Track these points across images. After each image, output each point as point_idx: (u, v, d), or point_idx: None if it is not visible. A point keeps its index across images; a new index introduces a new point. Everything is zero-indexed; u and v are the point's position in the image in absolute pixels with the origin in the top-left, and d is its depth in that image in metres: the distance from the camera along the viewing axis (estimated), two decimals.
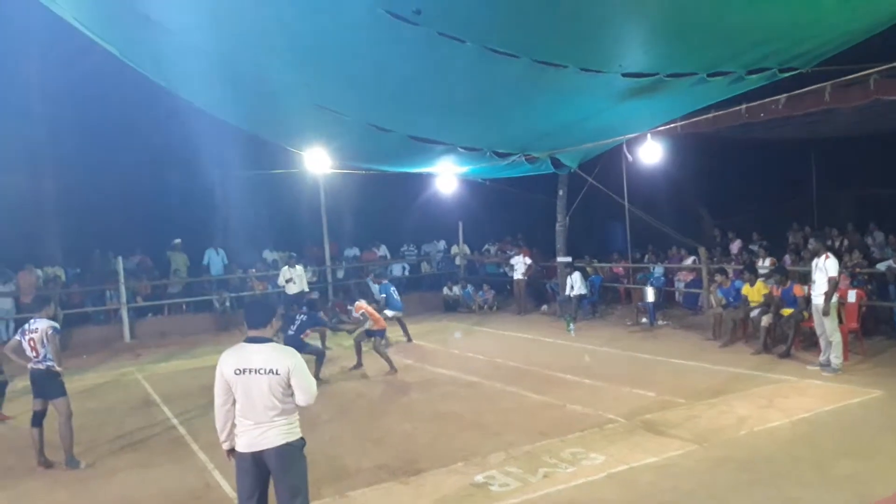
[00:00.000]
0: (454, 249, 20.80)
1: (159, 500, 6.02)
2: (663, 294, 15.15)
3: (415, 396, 9.00)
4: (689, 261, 15.54)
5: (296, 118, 12.10)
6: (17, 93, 13.99)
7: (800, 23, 8.30)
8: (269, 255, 19.07)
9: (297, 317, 10.61)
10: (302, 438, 4.35)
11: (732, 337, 11.50)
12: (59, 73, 13.82)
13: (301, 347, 10.20)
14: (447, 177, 16.26)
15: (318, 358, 10.34)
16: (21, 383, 9.35)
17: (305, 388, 4.26)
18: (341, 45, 8.44)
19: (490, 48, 8.37)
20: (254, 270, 17.92)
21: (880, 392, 8.01)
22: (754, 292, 11.24)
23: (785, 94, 10.01)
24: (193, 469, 6.79)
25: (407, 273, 20.45)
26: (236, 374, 4.20)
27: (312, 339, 11.32)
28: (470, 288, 18.70)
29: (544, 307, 17.29)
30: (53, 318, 7.16)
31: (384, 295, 13.30)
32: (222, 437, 4.37)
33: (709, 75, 9.65)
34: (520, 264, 17.33)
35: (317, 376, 9.90)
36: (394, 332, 13.04)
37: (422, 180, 17.56)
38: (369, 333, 11.02)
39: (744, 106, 10.81)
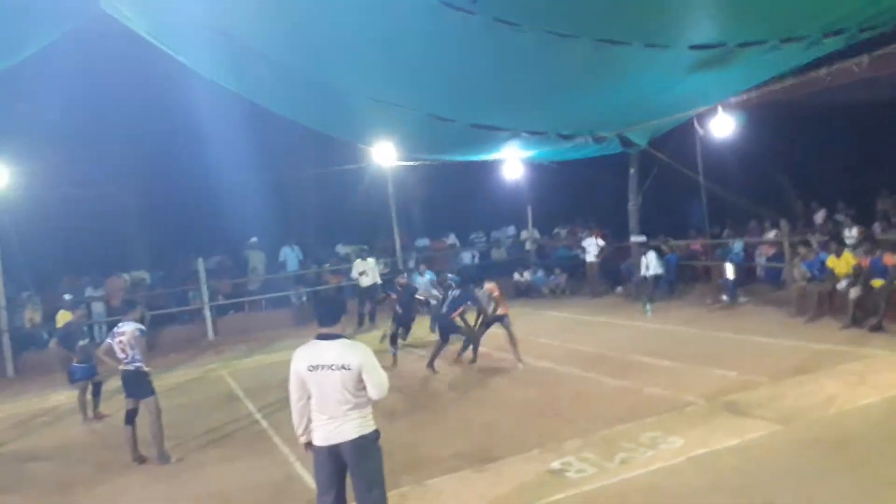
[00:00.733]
0: (524, 234, 20.65)
1: (246, 492, 6.25)
2: (744, 270, 14.62)
3: (489, 384, 9.02)
4: (770, 234, 14.95)
5: (360, 114, 12.22)
6: (102, 104, 14.67)
7: None
8: (341, 249, 19.42)
9: (449, 293, 10.53)
10: (376, 431, 4.42)
11: (818, 311, 11.01)
12: (138, 83, 14.43)
13: (452, 329, 10.20)
14: (513, 162, 16.14)
15: (465, 340, 10.39)
16: (114, 383, 9.82)
17: (377, 383, 4.32)
18: (398, 38, 8.47)
19: (549, 31, 8.23)
20: (328, 265, 18.29)
21: None
22: (841, 263, 10.72)
23: (867, 55, 9.47)
24: (276, 462, 7.01)
25: (477, 260, 20.46)
26: (310, 370, 4.29)
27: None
28: (541, 272, 18.56)
29: (619, 289, 16.99)
30: (140, 321, 7.52)
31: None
32: (299, 431, 4.50)
33: (781, 41, 9.18)
34: (592, 246, 17.07)
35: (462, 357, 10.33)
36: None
37: (488, 167, 17.47)
38: (491, 320, 10.30)
39: (825, 69, 10.28)
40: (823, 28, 9.06)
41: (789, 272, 12.76)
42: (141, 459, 7.34)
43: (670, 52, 9.18)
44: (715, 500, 5.02)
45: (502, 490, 5.59)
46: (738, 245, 15.16)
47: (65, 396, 10.80)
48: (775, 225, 14.57)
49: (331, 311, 4.47)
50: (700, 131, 12.45)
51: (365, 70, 9.87)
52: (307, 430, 4.45)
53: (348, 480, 4.41)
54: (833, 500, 4.82)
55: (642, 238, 15.87)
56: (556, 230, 20.92)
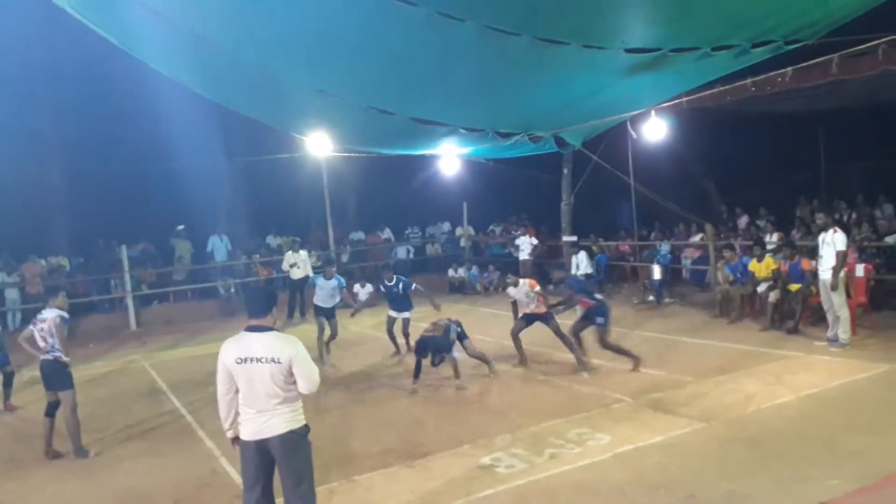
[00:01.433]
0: (459, 231, 20.72)
1: (167, 488, 6.03)
2: (670, 271, 15.06)
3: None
4: (696, 237, 15.44)
5: (296, 103, 12.00)
6: (20, 81, 13.94)
7: None
8: (272, 240, 19.05)
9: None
10: (306, 425, 4.33)
11: (740, 313, 11.43)
12: (60, 62, 13.79)
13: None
14: (450, 158, 16.13)
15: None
16: (28, 374, 9.39)
17: (307, 376, 4.22)
18: (340, 27, 8.35)
19: (490, 27, 8.25)
20: (258, 256, 17.90)
21: (889, 366, 7.92)
22: (762, 268, 11.14)
23: (791, 67, 9.86)
24: (200, 456, 6.79)
25: (412, 256, 20.41)
26: (238, 362, 4.17)
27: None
28: (475, 269, 18.65)
29: (550, 287, 17.21)
30: (62, 308, 7.15)
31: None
32: (226, 425, 4.38)
33: (713, 49, 9.49)
34: (525, 244, 17.24)
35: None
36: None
37: (425, 162, 17.45)
38: (533, 318, 9.42)
39: (750, 80, 10.67)
40: (752, 38, 9.40)
41: (713, 274, 13.19)
42: (55, 454, 7.01)
43: (607, 54, 9.35)
44: (640, 495, 5.13)
45: (432, 485, 5.57)
46: (665, 247, 15.60)
47: None
48: (701, 229, 15.05)
49: (261, 303, 4.36)
50: (633, 134, 12.72)
51: (305, 59, 9.70)
52: (234, 424, 4.32)
53: (276, 475, 4.31)
54: (751, 493, 4.99)
55: (573, 238, 16.14)
56: (490, 227, 21.06)
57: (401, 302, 10.78)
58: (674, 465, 5.62)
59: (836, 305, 9.01)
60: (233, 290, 17.10)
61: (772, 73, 10.15)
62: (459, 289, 18.35)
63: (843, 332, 9.00)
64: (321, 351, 10.72)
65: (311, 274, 15.08)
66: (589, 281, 15.06)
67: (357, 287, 16.84)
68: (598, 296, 9.31)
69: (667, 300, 13.87)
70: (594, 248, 16.56)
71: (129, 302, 15.73)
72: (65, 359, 6.98)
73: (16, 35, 12.08)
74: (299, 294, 15.14)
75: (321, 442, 5.15)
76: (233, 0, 8.19)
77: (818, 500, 4.78)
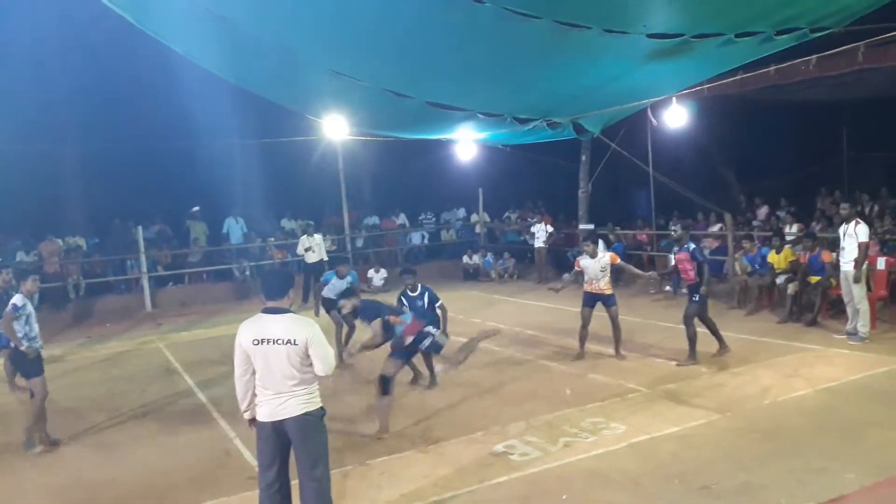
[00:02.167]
0: (474, 217, 20.64)
1: (182, 468, 6.06)
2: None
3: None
4: (714, 227, 15.27)
5: (313, 84, 11.95)
6: (35, 61, 13.96)
7: None
8: (287, 223, 19.07)
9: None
10: (322, 408, 4.34)
11: (758, 305, 11.32)
12: (75, 41, 13.77)
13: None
14: (466, 143, 16.05)
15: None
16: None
17: (323, 358, 4.23)
18: (357, 9, 8.27)
19: (510, 9, 8.14)
20: (272, 239, 17.94)
21: None
22: (781, 259, 11.02)
23: (816, 55, 9.70)
24: (215, 437, 6.83)
25: (426, 241, 20.37)
26: (255, 344, 4.18)
27: None
28: (490, 256, 18.60)
29: (566, 276, 17.07)
30: (31, 293, 7.00)
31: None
32: (243, 406, 4.39)
33: (736, 36, 9.33)
34: (541, 232, 17.15)
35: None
36: None
37: (441, 147, 17.36)
38: (595, 299, 8.87)
39: (773, 67, 10.51)
40: (776, 25, 9.23)
41: (731, 265, 13.06)
42: (52, 442, 6.84)
43: (628, 39, 9.21)
44: (654, 485, 5.09)
45: (445, 471, 5.56)
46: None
47: None
48: (720, 218, 14.89)
49: (277, 285, 4.37)
50: (653, 121, 12.58)
51: (322, 41, 9.64)
52: (251, 405, 4.34)
53: (291, 457, 4.32)
54: (766, 485, 4.94)
55: (590, 226, 16.03)
56: (506, 214, 20.96)
57: (427, 319, 7.71)
58: (689, 455, 5.58)
59: (857, 298, 8.89)
60: (248, 272, 17.16)
61: (796, 61, 9.99)
62: (474, 276, 18.31)
63: (863, 325, 8.89)
64: (339, 350, 9.14)
65: (325, 258, 15.09)
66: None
67: (371, 272, 16.94)
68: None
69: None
70: (611, 236, 16.44)
71: (145, 283, 15.82)
72: (21, 348, 6.70)
73: (31, 14, 12.10)
74: (313, 278, 15.16)
75: (335, 425, 5.16)
76: None
77: (834, 494, 4.73)
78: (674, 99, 11.49)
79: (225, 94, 13.97)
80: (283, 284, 4.39)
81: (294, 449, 4.28)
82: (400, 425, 6.77)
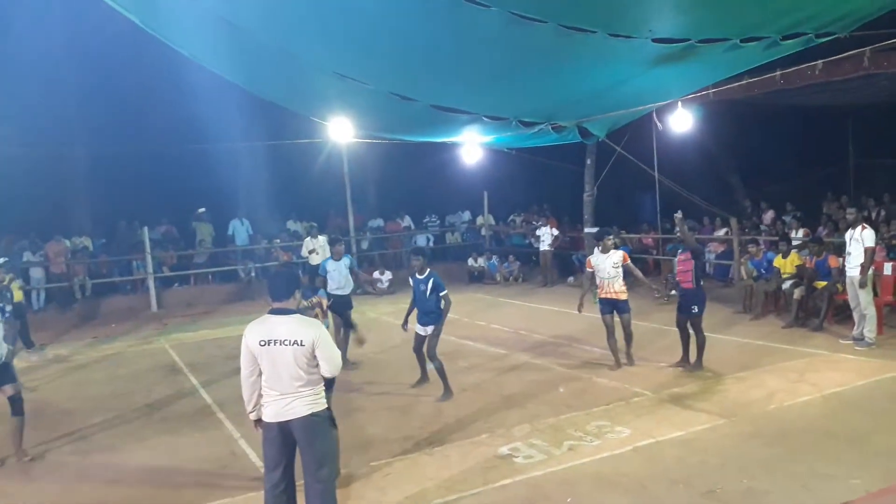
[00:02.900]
0: (479, 220, 20.64)
1: (188, 468, 6.08)
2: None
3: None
4: (720, 232, 15.26)
5: (318, 88, 11.97)
6: (42, 62, 14.03)
7: None
8: (292, 225, 19.10)
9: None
10: (328, 409, 4.37)
11: (764, 309, 11.30)
12: (82, 43, 13.84)
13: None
14: (472, 146, 16.06)
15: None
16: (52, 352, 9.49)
17: (330, 359, 4.25)
18: (362, 11, 8.29)
19: (516, 13, 8.15)
20: (278, 241, 17.98)
21: None
22: (787, 264, 10.99)
23: (822, 60, 9.68)
24: (220, 438, 6.85)
25: (431, 244, 20.38)
26: (261, 345, 4.19)
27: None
28: (495, 259, 18.60)
29: (570, 279, 17.15)
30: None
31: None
32: (249, 407, 4.40)
33: (742, 41, 9.31)
34: (546, 235, 17.16)
35: None
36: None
37: (446, 150, 17.38)
38: (611, 305, 8.57)
39: (779, 72, 10.49)
40: (782, 30, 9.22)
41: (737, 270, 13.05)
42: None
43: (634, 44, 9.21)
44: (658, 489, 5.09)
45: (450, 473, 5.57)
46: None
47: None
48: (725, 223, 14.87)
49: (284, 286, 4.39)
50: (658, 126, 12.58)
51: (328, 44, 9.64)
52: (257, 405, 4.35)
53: (297, 458, 4.33)
54: (771, 490, 4.93)
55: (595, 230, 16.00)
56: (511, 217, 20.97)
57: (425, 308, 7.98)
58: (693, 460, 5.57)
59: (864, 303, 8.87)
60: (253, 273, 17.20)
61: (802, 66, 9.97)
62: (479, 278, 18.32)
63: (869, 330, 8.87)
64: (343, 351, 9.04)
65: None
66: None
67: (377, 274, 16.96)
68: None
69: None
70: (616, 240, 16.42)
71: (151, 283, 15.86)
72: None
73: (39, 18, 12.16)
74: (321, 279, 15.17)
75: (340, 427, 5.14)
76: None
77: (839, 499, 4.72)
78: (679, 103, 11.49)
79: (231, 97, 14.02)
80: (289, 285, 4.40)
81: (300, 450, 4.29)
82: (406, 427, 6.78)
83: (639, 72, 10.48)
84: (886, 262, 10.31)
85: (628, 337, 8.69)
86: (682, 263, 8.43)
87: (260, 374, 4.27)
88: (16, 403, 6.48)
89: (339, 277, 9.42)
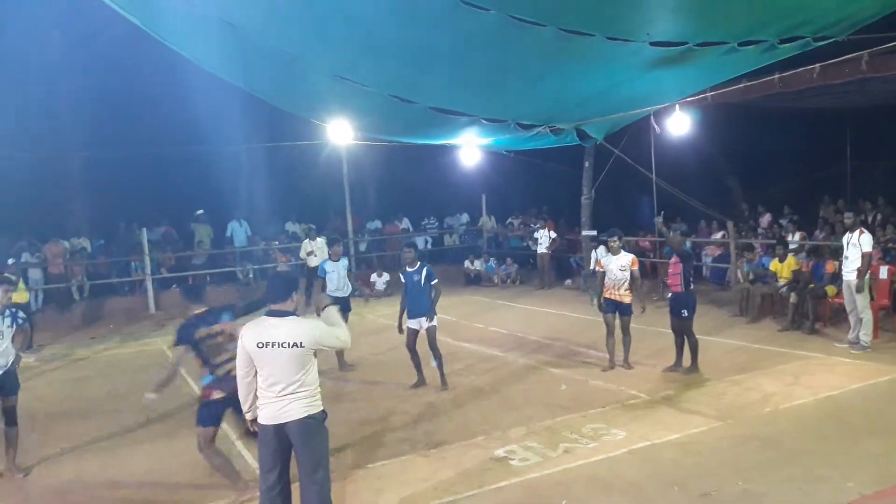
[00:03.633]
0: (482, 221, 20.62)
1: (185, 470, 6.10)
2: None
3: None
4: (717, 235, 15.28)
5: (317, 89, 11.99)
6: (43, 66, 14.08)
7: None
8: (291, 227, 19.12)
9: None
10: (324, 411, 4.37)
11: (760, 313, 11.31)
12: (82, 46, 13.89)
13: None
14: (470, 148, 16.10)
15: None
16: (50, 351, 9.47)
17: (338, 341, 4.41)
18: (360, 13, 8.31)
19: (514, 16, 8.18)
20: (276, 242, 17.99)
21: None
22: (784, 268, 11.01)
23: (820, 63, 9.71)
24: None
25: (429, 246, 20.40)
26: (259, 347, 4.20)
27: None
28: (492, 261, 18.62)
29: (568, 281, 17.18)
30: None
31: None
32: (245, 407, 4.42)
33: (740, 44, 9.34)
34: (544, 238, 17.18)
35: None
36: None
37: (445, 152, 17.41)
38: (614, 307, 8.61)
39: (777, 75, 10.54)
40: (780, 34, 9.25)
41: (734, 273, 13.07)
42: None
43: (631, 47, 9.24)
44: (654, 492, 5.10)
45: (446, 475, 5.58)
46: (685, 244, 15.40)
47: None
48: (722, 226, 14.90)
49: (282, 288, 4.40)
50: (656, 129, 12.60)
51: (328, 46, 9.68)
52: (253, 406, 4.37)
53: (292, 461, 4.34)
54: (766, 493, 4.95)
55: (593, 232, 16.04)
56: (509, 220, 21.00)
57: (420, 299, 8.08)
58: (689, 462, 5.59)
59: (860, 307, 8.90)
60: (251, 275, 17.21)
61: (800, 70, 10.01)
62: (476, 281, 18.33)
63: (865, 334, 8.89)
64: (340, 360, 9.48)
65: None
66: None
67: (374, 276, 16.97)
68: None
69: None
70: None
71: (149, 285, 15.88)
72: None
73: (37, 19, 12.19)
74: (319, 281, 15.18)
75: (336, 428, 5.18)
76: None
77: (835, 502, 4.74)
78: (677, 106, 11.52)
79: (230, 99, 14.07)
80: (288, 287, 4.41)
81: (295, 452, 4.30)
82: (401, 429, 6.80)
83: (637, 75, 10.51)
84: (882, 265, 10.33)
85: (626, 340, 8.71)
86: (672, 266, 8.48)
87: (255, 375, 4.28)
88: (12, 414, 6.28)
89: (337, 279, 9.53)
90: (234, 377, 4.74)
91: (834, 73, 9.92)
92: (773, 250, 11.54)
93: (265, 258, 17.71)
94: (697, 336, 8.38)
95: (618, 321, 8.65)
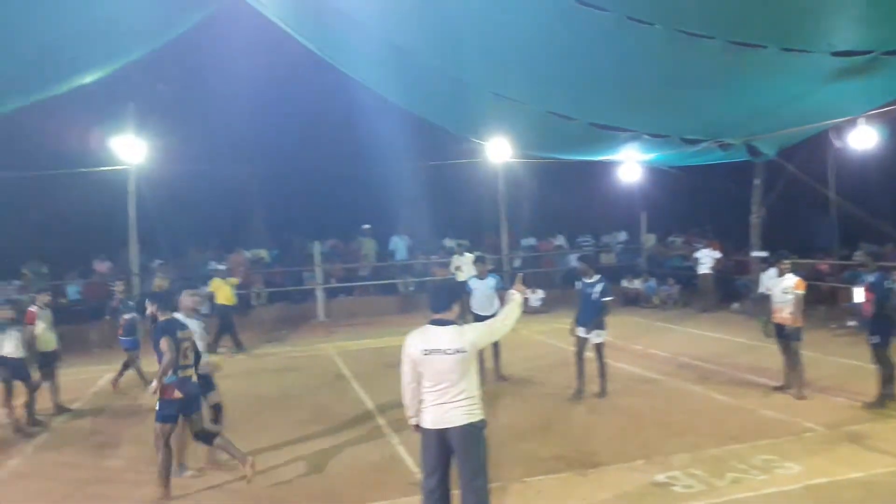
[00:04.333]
0: (645, 238, 20.04)
1: (349, 471, 6.42)
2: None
3: (595, 389, 8.83)
4: None
5: (479, 108, 12.31)
6: (226, 89, 15.48)
7: None
8: (449, 242, 19.61)
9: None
10: (483, 420, 4.46)
11: None
12: (261, 70, 15.14)
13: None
14: (630, 164, 15.76)
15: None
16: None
17: (495, 333, 4.73)
18: (529, 33, 8.47)
19: (680, 30, 7.99)
20: (435, 257, 18.56)
21: None
22: None
23: None
24: (380, 443, 7.17)
25: None
26: (425, 354, 4.38)
27: None
28: (653, 281, 18.03)
29: (735, 305, 16.24)
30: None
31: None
32: (409, 412, 4.59)
33: None
34: (706, 257, 16.40)
35: None
36: None
37: (602, 168, 17.15)
38: (781, 331, 8.34)
39: None
40: None
41: None
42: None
43: (810, 58, 8.71)
44: None
45: (604, 496, 5.50)
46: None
47: None
48: None
49: (444, 298, 4.57)
50: (837, 144, 11.70)
51: (491, 64, 9.94)
52: (417, 411, 4.53)
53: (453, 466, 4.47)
54: None
55: (764, 254, 15.08)
56: (670, 238, 20.26)
57: (590, 311, 8.50)
58: None
59: None
60: (411, 287, 17.91)
61: None
62: (634, 301, 17.79)
63: None
64: (496, 365, 9.64)
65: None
66: None
67: (528, 293, 16.98)
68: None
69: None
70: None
71: (319, 294, 16.96)
72: None
73: (223, 48, 13.42)
74: (465, 297, 15.46)
75: (493, 440, 5.25)
76: (423, 7, 8.58)
77: None
78: (861, 119, 10.65)
79: (393, 120, 14.77)
80: (449, 297, 4.58)
81: (456, 458, 4.42)
82: (558, 445, 6.77)
83: (815, 87, 9.89)
84: None
85: (798, 367, 8.18)
86: (866, 293, 7.83)
87: (420, 381, 4.45)
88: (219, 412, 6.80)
89: (480, 297, 9.61)
90: (192, 382, 5.99)
91: None
92: None
93: (424, 272, 18.34)
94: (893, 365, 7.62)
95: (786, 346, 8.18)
